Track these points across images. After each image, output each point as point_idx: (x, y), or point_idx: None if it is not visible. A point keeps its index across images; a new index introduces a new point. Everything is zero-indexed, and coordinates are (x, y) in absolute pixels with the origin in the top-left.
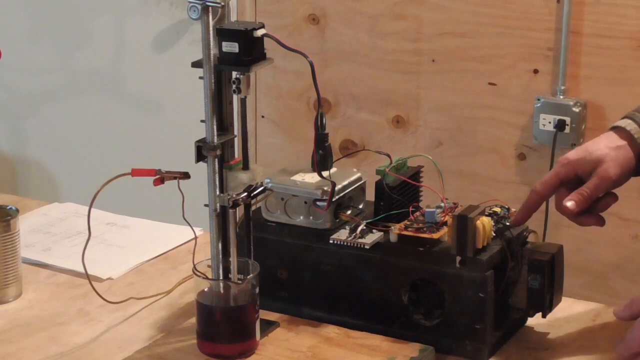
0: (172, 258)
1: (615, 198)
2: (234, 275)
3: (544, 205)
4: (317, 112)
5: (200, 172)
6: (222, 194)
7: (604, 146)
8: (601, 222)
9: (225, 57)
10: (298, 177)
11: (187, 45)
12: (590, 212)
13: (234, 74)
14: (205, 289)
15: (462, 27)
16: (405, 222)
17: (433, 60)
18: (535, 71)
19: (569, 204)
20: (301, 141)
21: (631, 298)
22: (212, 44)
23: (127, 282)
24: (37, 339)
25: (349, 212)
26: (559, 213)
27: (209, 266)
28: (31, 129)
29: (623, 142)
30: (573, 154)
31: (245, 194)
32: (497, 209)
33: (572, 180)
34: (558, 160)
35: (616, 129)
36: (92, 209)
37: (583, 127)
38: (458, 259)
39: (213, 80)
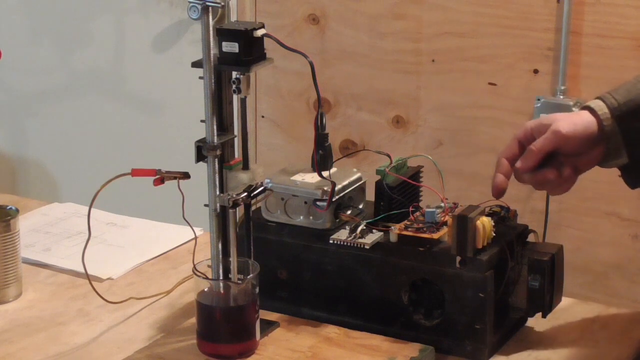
0: (172, 258)
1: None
2: (234, 275)
3: (543, 205)
4: (317, 112)
5: (200, 172)
6: (222, 194)
7: (561, 114)
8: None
9: (225, 57)
10: (298, 177)
11: (187, 45)
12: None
13: (234, 74)
14: (205, 289)
15: (462, 27)
16: (405, 222)
17: (433, 60)
18: (535, 71)
19: (517, 163)
20: (301, 141)
21: None
22: (212, 44)
23: (127, 282)
24: (37, 339)
25: (349, 212)
26: (558, 213)
27: (209, 266)
28: (31, 129)
29: (584, 112)
30: (531, 122)
31: (245, 194)
32: (497, 209)
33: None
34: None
35: (587, 109)
36: (92, 209)
37: None
38: (458, 259)
39: (213, 80)
